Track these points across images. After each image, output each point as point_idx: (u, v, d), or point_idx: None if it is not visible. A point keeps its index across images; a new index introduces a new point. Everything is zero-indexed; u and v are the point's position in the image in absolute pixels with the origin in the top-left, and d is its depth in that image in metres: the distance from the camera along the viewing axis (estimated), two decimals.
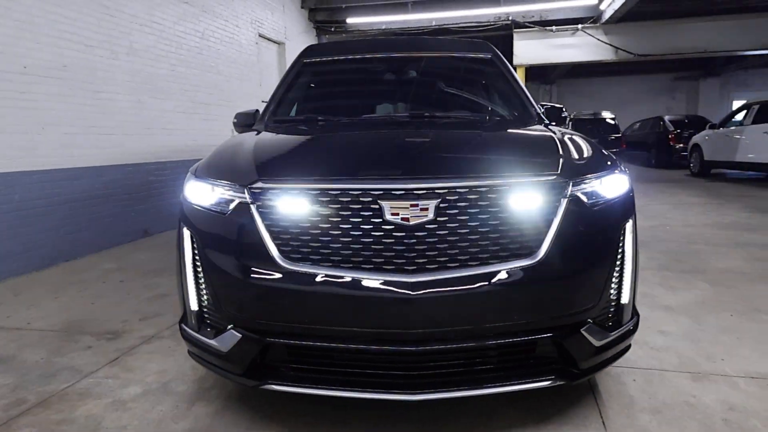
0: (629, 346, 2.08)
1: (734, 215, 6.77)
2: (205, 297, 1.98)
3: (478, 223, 1.72)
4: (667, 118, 15.50)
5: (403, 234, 1.68)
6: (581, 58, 11.29)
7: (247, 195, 1.82)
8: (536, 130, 2.39)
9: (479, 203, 1.73)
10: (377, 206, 1.70)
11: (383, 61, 3.39)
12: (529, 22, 10.97)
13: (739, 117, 11.08)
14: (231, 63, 8.15)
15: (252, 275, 1.78)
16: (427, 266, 1.69)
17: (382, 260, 1.70)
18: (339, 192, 1.73)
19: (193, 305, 2.02)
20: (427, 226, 1.69)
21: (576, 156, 1.97)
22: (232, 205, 1.86)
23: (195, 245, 1.98)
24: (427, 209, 1.68)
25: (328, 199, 1.74)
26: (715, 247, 4.97)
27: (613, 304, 1.95)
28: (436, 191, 1.70)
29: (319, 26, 11.67)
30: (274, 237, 1.78)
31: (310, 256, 1.75)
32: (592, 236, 1.85)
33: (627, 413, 2.07)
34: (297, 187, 1.77)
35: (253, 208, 1.81)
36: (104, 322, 3.28)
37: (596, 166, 1.94)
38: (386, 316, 1.70)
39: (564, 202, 1.79)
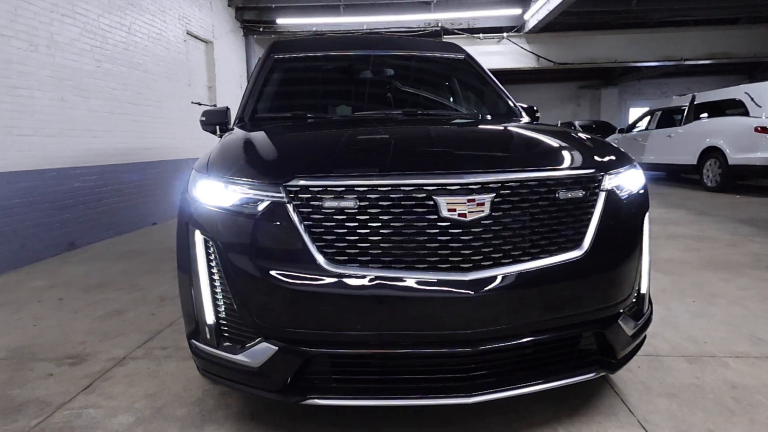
0: (646, 335, 2.16)
1: (654, 211, 7.38)
2: (225, 308, 1.79)
3: (529, 217, 1.70)
4: (577, 123, 16.67)
5: (460, 230, 1.62)
6: (506, 65, 11.83)
7: (282, 194, 1.66)
8: (548, 127, 2.42)
9: (530, 197, 1.70)
10: (432, 202, 1.62)
11: (362, 59, 3.30)
12: (458, 29, 11.31)
13: (643, 123, 12.18)
14: (159, 61, 7.61)
15: (292, 281, 1.63)
16: (482, 263, 1.64)
17: (437, 258, 1.62)
18: (390, 188, 1.62)
19: (209, 318, 1.81)
20: (482, 221, 1.63)
21: (603, 151, 2.01)
22: (262, 206, 1.69)
23: (211, 251, 1.78)
24: (483, 204, 1.62)
25: (378, 195, 1.63)
26: (652, 239, 5.37)
27: (636, 293, 2.01)
28: (490, 185, 1.65)
29: (246, 26, 11.26)
30: (316, 238, 1.64)
31: (358, 258, 1.63)
32: (626, 227, 1.89)
33: (647, 399, 2.14)
34: (342, 183, 1.64)
35: (290, 207, 1.65)
36: (57, 345, 2.88)
37: (619, 160, 1.99)
38: (442, 316, 1.62)
39: (602, 195, 1.82)
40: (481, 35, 11.56)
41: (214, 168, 1.87)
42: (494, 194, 1.65)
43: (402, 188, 1.62)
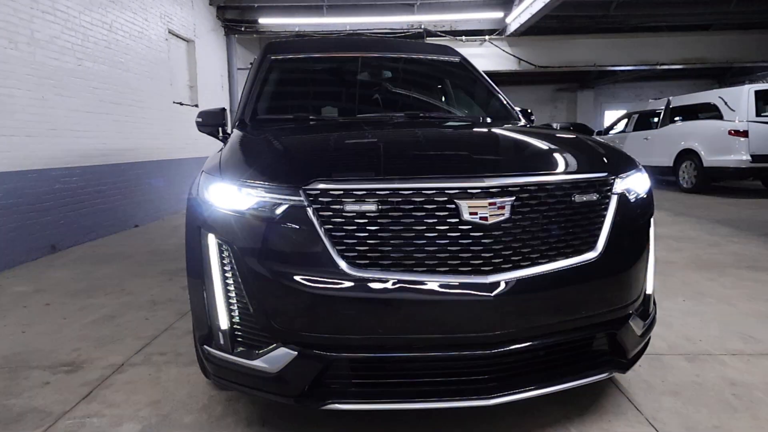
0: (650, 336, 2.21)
1: None
2: (240, 313, 1.76)
3: (546, 220, 1.73)
4: (554, 125, 16.96)
5: (481, 233, 1.63)
6: (488, 67, 11.94)
7: (302, 197, 1.65)
8: (558, 131, 2.45)
9: (547, 200, 1.73)
10: (453, 205, 1.62)
11: (362, 61, 3.29)
12: (441, 31, 11.39)
13: (621, 125, 12.45)
14: (141, 60, 7.46)
15: (313, 286, 1.61)
16: (502, 266, 1.65)
17: (458, 261, 1.63)
18: (412, 191, 1.62)
19: (223, 323, 1.79)
20: (502, 224, 1.65)
21: (612, 155, 2.05)
22: (280, 209, 1.67)
23: (226, 255, 1.75)
24: (503, 207, 1.64)
25: (400, 199, 1.63)
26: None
27: (643, 294, 2.06)
28: (510, 189, 1.66)
29: (228, 25, 11.12)
30: (337, 242, 1.63)
31: (380, 261, 1.62)
32: (635, 229, 1.94)
33: (652, 397, 2.19)
34: (363, 187, 1.63)
35: (310, 211, 1.63)
36: (50, 353, 2.80)
37: (627, 164, 2.03)
38: (463, 319, 1.63)
39: (614, 198, 1.86)
40: (463, 38, 11.65)
41: (228, 171, 1.84)
42: (514, 197, 1.66)
43: (424, 192, 1.63)
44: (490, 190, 1.63)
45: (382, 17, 11.12)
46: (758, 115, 8.86)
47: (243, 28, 11.24)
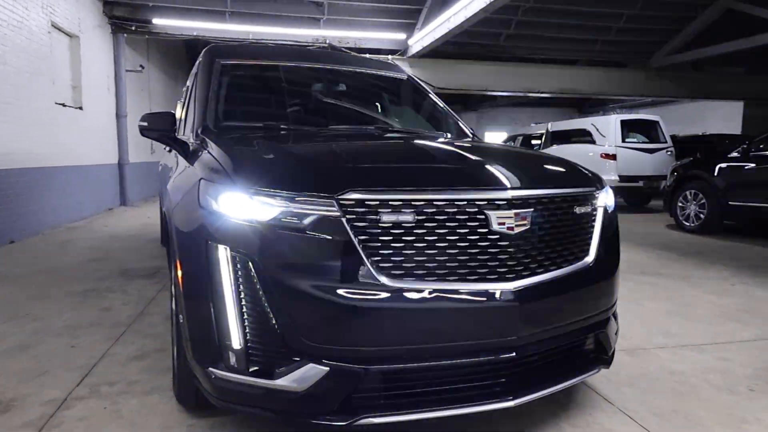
0: None
1: None
2: (258, 330, 1.65)
3: (555, 230, 1.87)
4: None
5: (507, 243, 1.71)
6: None
7: (335, 207, 1.60)
8: (537, 151, 2.64)
9: (556, 211, 1.87)
10: (483, 216, 1.69)
11: (320, 71, 3.26)
12: (346, 48, 11.52)
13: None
14: (20, 52, 6.57)
15: (348, 298, 1.57)
16: (522, 273, 1.75)
17: (487, 270, 1.69)
18: (445, 202, 1.66)
19: (236, 342, 1.66)
20: (524, 234, 1.75)
21: (592, 173, 2.26)
22: (309, 219, 1.60)
23: (242, 269, 1.64)
24: (526, 218, 1.74)
25: (434, 209, 1.66)
26: None
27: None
28: (530, 200, 1.78)
29: (116, 22, 10.21)
30: (372, 253, 1.60)
31: (414, 271, 1.63)
32: (612, 236, 2.16)
33: (615, 389, 2.43)
34: (399, 197, 1.63)
35: (344, 221, 1.59)
36: None
37: (602, 180, 2.27)
38: (492, 324, 1.70)
39: (600, 209, 2.07)
40: (367, 55, 11.91)
41: (242, 178, 1.71)
42: (533, 209, 1.78)
43: (457, 202, 1.67)
44: (514, 201, 1.74)
45: (287, 29, 10.98)
46: (624, 141, 10.24)
47: (134, 28, 10.39)
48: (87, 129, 8.84)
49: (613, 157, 10.08)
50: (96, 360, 2.72)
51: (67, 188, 7.87)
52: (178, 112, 4.97)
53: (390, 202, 1.63)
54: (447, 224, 1.67)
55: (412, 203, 1.64)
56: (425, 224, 1.65)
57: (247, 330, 1.66)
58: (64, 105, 7.95)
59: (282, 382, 1.61)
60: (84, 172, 8.61)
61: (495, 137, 19.83)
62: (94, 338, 3.05)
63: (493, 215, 1.70)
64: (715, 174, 7.12)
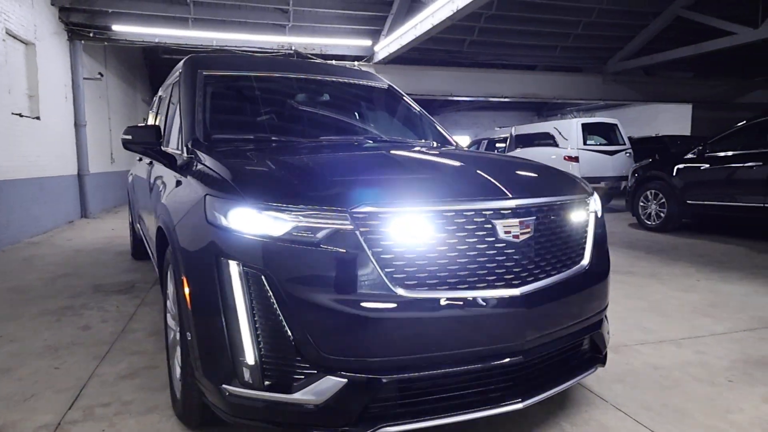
0: None
1: None
2: (273, 345, 1.65)
3: (555, 236, 1.95)
4: None
5: (513, 250, 1.78)
6: None
7: (349, 221, 1.63)
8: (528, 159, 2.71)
9: (555, 218, 1.95)
10: (490, 225, 1.75)
11: (301, 83, 3.26)
12: (311, 54, 11.51)
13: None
14: None
15: (365, 310, 1.60)
16: (527, 278, 1.82)
17: (494, 277, 1.75)
18: (454, 213, 1.72)
19: (250, 358, 1.66)
20: (528, 241, 1.82)
21: (581, 180, 2.36)
22: (323, 233, 1.62)
23: (255, 284, 1.64)
24: (529, 226, 1.81)
25: (444, 220, 1.71)
26: None
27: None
28: (532, 209, 1.85)
29: (73, 29, 9.86)
30: (386, 264, 1.64)
31: (427, 281, 1.67)
32: (602, 240, 2.26)
33: (606, 386, 2.53)
34: (410, 209, 1.68)
35: (358, 234, 1.62)
36: None
37: (589, 187, 2.37)
38: (500, 329, 1.76)
39: (592, 215, 2.16)
40: (333, 61, 11.92)
41: (252, 194, 1.72)
42: (535, 217, 1.85)
43: (465, 213, 1.73)
44: (518, 210, 1.81)
45: (252, 35, 10.87)
46: (585, 143, 10.62)
47: (91, 34, 10.06)
48: (45, 139, 8.49)
49: (576, 159, 10.43)
50: (84, 381, 2.64)
51: (25, 201, 7.54)
52: (151, 123, 4.87)
53: (402, 214, 1.67)
54: (457, 234, 1.72)
55: (423, 214, 1.69)
56: (436, 235, 1.70)
57: (262, 345, 1.66)
58: (20, 115, 7.62)
59: (299, 396, 1.62)
60: (43, 184, 8.27)
61: (459, 141, 20.27)
62: (78, 358, 2.95)
63: (498, 224, 1.76)
64: (674, 174, 7.49)
